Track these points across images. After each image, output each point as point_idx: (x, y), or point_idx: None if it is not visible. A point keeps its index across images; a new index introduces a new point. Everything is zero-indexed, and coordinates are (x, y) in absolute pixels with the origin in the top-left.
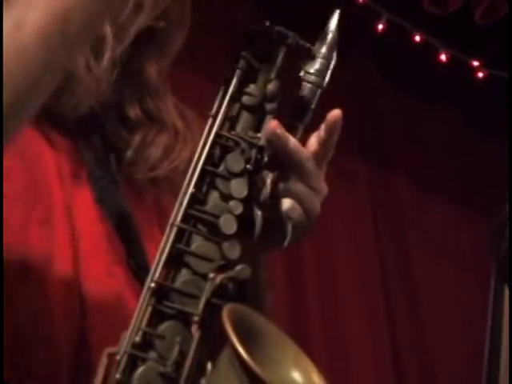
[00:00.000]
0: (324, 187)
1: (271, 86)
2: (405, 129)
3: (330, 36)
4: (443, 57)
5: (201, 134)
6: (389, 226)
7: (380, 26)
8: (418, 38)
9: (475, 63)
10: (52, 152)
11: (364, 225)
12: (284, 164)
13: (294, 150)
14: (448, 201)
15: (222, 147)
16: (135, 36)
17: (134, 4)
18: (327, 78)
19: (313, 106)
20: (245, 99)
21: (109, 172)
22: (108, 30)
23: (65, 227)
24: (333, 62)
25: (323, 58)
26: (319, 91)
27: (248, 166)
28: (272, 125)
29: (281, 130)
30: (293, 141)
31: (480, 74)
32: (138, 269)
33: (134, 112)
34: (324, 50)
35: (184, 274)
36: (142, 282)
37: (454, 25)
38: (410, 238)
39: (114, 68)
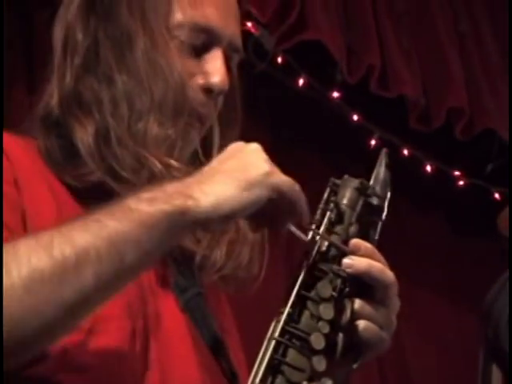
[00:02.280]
0: (397, 301)
1: (353, 229)
2: (396, 231)
3: (381, 175)
4: (428, 168)
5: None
6: None
7: (373, 142)
8: (405, 152)
9: (456, 173)
10: None
11: None
12: (366, 287)
13: (378, 274)
14: (435, 293)
15: (313, 276)
16: None
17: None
18: (384, 213)
19: (376, 237)
20: (333, 238)
21: (193, 283)
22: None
23: (157, 337)
24: (388, 198)
25: (380, 195)
26: (380, 224)
27: (334, 293)
28: (349, 262)
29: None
30: (377, 266)
31: (461, 183)
32: (231, 378)
33: None
34: (379, 188)
35: (279, 382)
36: None
37: (437, 140)
38: (403, 330)
39: None
